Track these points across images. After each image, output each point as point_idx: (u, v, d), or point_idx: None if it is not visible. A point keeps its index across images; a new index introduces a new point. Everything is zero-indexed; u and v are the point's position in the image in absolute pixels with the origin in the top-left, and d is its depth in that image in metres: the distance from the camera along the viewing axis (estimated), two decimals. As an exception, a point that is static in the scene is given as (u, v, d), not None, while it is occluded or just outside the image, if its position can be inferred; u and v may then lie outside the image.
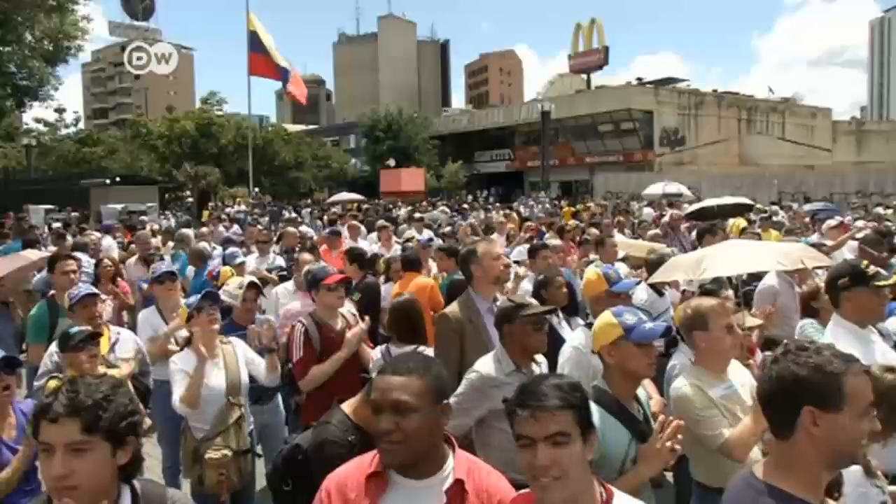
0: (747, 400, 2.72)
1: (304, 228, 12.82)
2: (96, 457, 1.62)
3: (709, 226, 8.42)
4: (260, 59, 23.46)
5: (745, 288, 5.72)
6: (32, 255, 6.31)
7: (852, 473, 2.05)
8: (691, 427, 2.55)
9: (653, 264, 5.61)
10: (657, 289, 5.43)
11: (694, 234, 9.35)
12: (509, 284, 5.47)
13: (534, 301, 3.09)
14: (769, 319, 4.24)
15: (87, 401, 1.63)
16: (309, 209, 23.72)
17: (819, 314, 4.18)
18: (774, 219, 12.60)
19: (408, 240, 9.27)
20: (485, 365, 2.94)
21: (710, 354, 2.75)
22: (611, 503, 1.73)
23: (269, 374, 3.82)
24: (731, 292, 4.84)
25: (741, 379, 2.81)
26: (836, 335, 3.00)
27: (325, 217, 17.67)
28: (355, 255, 6.65)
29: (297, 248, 8.57)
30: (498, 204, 26.72)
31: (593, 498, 1.70)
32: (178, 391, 3.44)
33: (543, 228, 11.44)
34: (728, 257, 5.06)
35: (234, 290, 4.42)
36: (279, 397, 4.41)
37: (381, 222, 10.49)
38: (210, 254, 7.82)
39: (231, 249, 7.64)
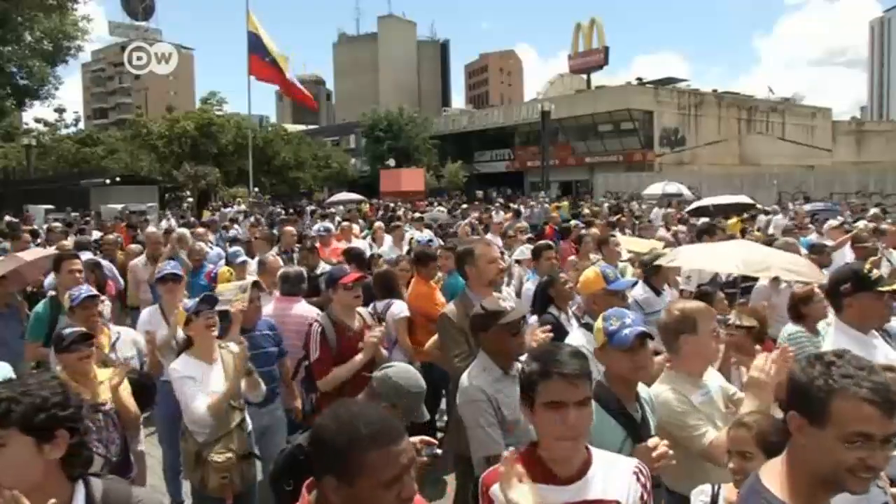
0: (721, 406, 2.72)
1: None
2: (15, 451, 1.59)
3: (707, 226, 8.42)
4: (259, 61, 23.47)
5: (744, 284, 5.76)
6: (27, 255, 6.22)
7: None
8: (674, 431, 2.53)
9: (647, 264, 5.65)
10: (655, 287, 5.45)
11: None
12: (508, 287, 5.50)
13: (507, 305, 3.04)
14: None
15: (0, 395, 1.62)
16: (311, 209, 23.71)
17: (806, 319, 4.17)
18: (765, 217, 12.59)
19: (409, 240, 9.29)
20: (473, 377, 2.87)
21: (694, 358, 2.71)
22: (590, 462, 1.90)
23: (249, 392, 3.73)
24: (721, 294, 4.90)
25: (715, 385, 2.79)
26: (839, 340, 2.97)
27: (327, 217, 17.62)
28: (353, 256, 6.67)
29: (295, 249, 8.57)
30: (498, 204, 26.69)
31: (581, 454, 1.89)
32: (198, 400, 3.36)
33: (557, 228, 11.45)
34: (699, 254, 5.15)
35: (232, 295, 4.27)
36: (279, 399, 4.41)
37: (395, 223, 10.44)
38: (206, 254, 7.81)
39: (233, 249, 7.64)
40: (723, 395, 2.79)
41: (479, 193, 37.40)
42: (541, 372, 1.85)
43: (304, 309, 4.81)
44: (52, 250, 6.87)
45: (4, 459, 1.58)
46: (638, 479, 1.92)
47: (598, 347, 2.42)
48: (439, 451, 2.46)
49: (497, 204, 23.89)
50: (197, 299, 3.67)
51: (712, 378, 2.83)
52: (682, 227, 11.21)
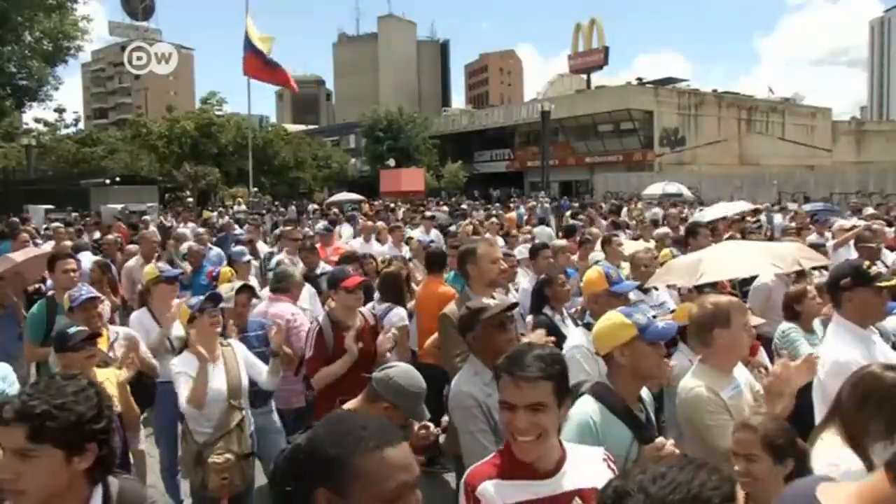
0: (750, 400, 2.71)
1: (304, 229, 12.78)
2: (45, 464, 1.57)
3: (691, 225, 8.40)
4: (254, 60, 23.49)
5: (745, 287, 5.76)
6: (20, 255, 6.19)
7: (854, 473, 2.04)
8: (701, 430, 2.52)
9: (635, 264, 5.63)
10: (641, 287, 5.40)
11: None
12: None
13: (492, 302, 3.00)
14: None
15: (36, 408, 1.57)
16: (314, 209, 23.74)
17: (800, 317, 4.19)
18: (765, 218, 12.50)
19: (408, 240, 9.27)
20: (463, 383, 2.80)
21: (726, 353, 2.69)
22: (564, 456, 1.93)
23: (271, 377, 3.84)
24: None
25: (743, 378, 2.79)
26: (838, 336, 2.98)
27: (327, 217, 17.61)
28: (349, 259, 6.70)
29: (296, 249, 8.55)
30: (497, 204, 26.69)
31: (556, 450, 1.92)
32: (183, 393, 3.42)
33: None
34: (724, 261, 5.09)
35: (226, 292, 4.34)
36: (273, 401, 4.42)
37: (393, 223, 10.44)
38: (206, 254, 7.80)
39: (237, 248, 7.62)
40: (750, 390, 2.78)
41: (495, 194, 37.06)
42: (498, 371, 1.92)
43: (282, 308, 4.81)
44: (46, 250, 6.85)
45: (34, 471, 1.57)
46: (608, 466, 1.99)
47: (621, 344, 2.35)
48: (437, 430, 2.47)
49: (497, 204, 23.91)
50: (202, 297, 3.70)
51: (740, 372, 2.83)
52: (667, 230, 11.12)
